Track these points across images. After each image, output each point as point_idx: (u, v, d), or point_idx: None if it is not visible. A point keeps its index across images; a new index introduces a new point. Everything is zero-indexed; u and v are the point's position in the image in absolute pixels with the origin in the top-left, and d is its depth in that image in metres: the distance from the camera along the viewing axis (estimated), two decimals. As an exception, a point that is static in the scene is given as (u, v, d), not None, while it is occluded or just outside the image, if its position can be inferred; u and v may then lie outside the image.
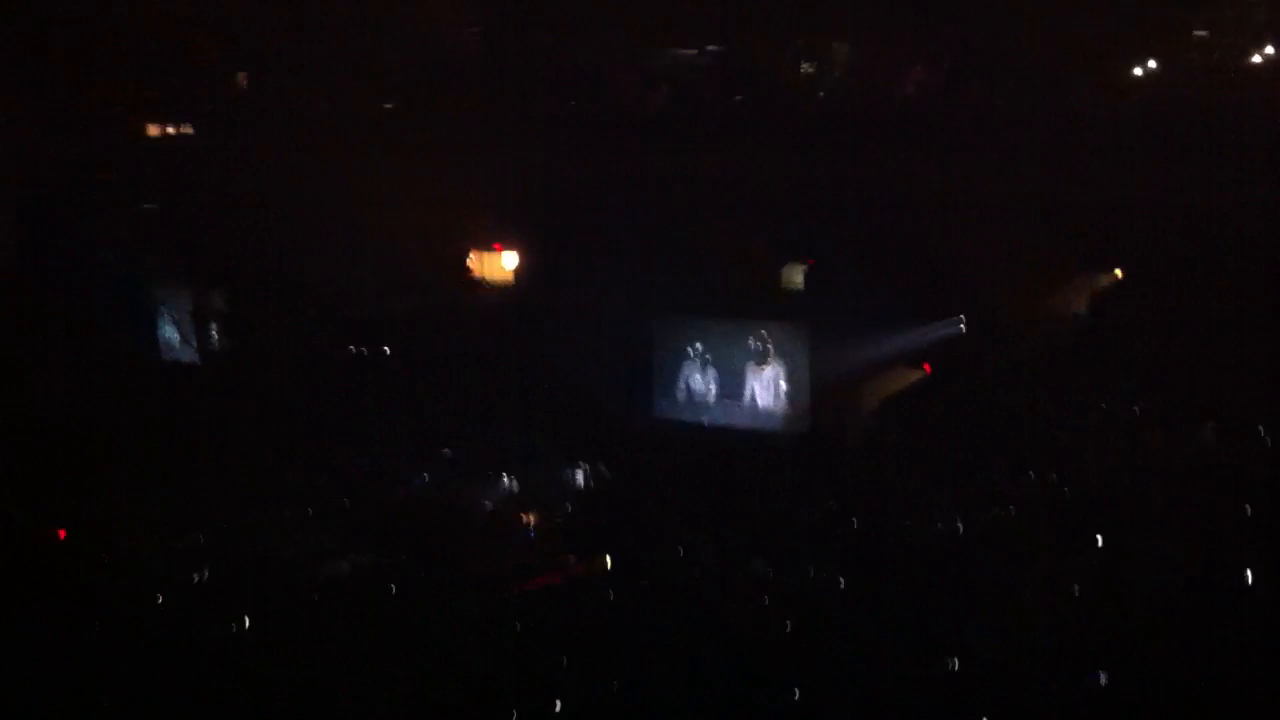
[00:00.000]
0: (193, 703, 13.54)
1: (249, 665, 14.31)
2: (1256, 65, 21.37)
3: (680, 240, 22.30)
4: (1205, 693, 12.73)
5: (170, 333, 26.88)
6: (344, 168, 23.41)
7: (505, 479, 21.07)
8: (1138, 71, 22.17)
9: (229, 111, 26.21)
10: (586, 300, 22.97)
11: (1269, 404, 19.44)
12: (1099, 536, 16.68)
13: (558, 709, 13.27)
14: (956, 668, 13.61)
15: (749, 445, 22.16)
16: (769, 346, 22.65)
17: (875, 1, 22.76)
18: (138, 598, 16.06)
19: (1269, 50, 21.32)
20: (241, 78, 27.18)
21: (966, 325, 21.94)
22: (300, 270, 24.51)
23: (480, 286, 25.22)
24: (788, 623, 15.07)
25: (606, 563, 17.16)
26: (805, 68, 24.63)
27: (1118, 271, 21.90)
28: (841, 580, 16.19)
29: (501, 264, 25.15)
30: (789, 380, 22.45)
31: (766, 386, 22.70)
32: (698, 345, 23.24)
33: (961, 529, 17.95)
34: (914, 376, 22.25)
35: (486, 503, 20.37)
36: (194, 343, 26.52)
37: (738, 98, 24.58)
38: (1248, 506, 17.00)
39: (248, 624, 15.24)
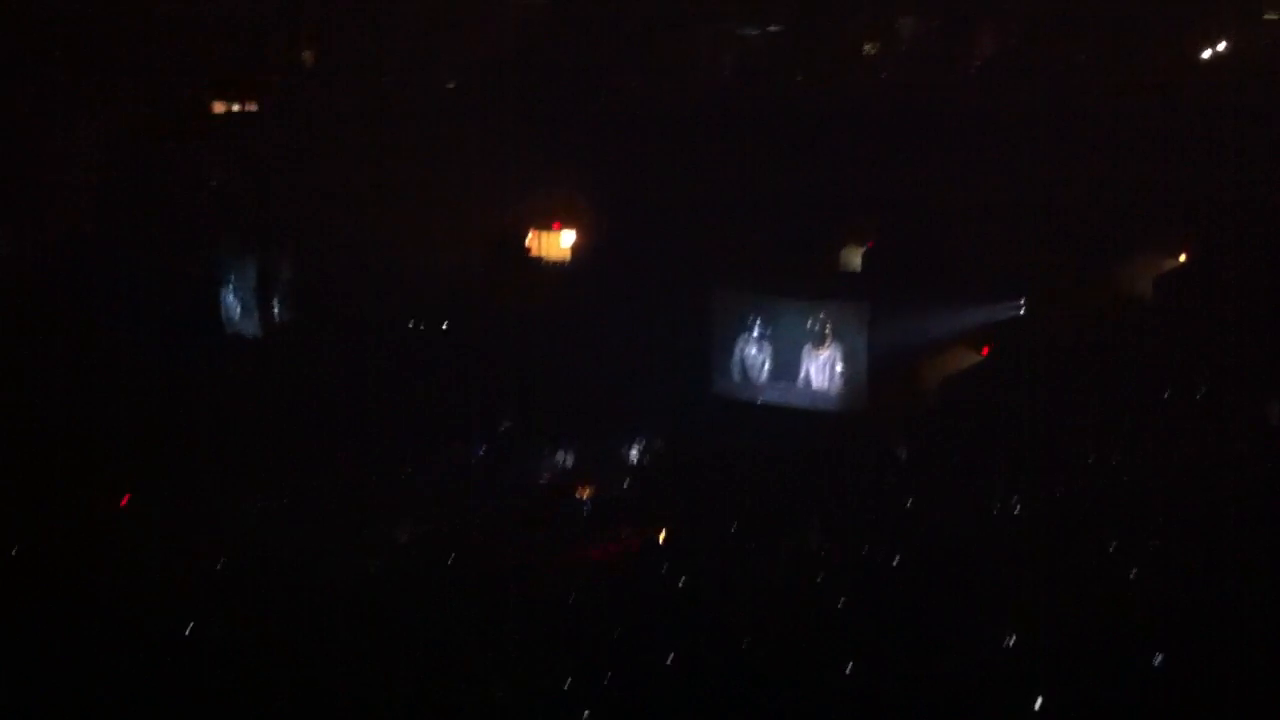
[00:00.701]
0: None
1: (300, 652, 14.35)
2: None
3: (739, 219, 22.28)
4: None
5: (234, 306, 27.15)
6: (407, 150, 23.57)
7: (561, 452, 21.16)
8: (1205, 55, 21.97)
9: (295, 91, 26.52)
10: (645, 278, 23.01)
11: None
12: (1160, 519, 16.56)
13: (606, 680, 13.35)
14: (1013, 644, 13.59)
15: (803, 424, 22.14)
16: (827, 328, 22.59)
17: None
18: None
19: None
20: (309, 55, 27.50)
21: (1027, 308, 21.80)
22: (364, 249, 24.73)
23: (539, 264, 25.34)
24: (841, 599, 15.07)
25: (661, 536, 17.23)
26: (867, 48, 24.57)
27: (1182, 256, 21.69)
28: (896, 558, 16.17)
29: (560, 243, 25.25)
30: (845, 361, 22.37)
31: (822, 368, 22.62)
32: (756, 324, 23.20)
33: (1018, 510, 17.85)
34: (973, 359, 22.13)
35: (544, 475, 20.48)
36: (256, 316, 26.78)
37: (799, 78, 24.55)
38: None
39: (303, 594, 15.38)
